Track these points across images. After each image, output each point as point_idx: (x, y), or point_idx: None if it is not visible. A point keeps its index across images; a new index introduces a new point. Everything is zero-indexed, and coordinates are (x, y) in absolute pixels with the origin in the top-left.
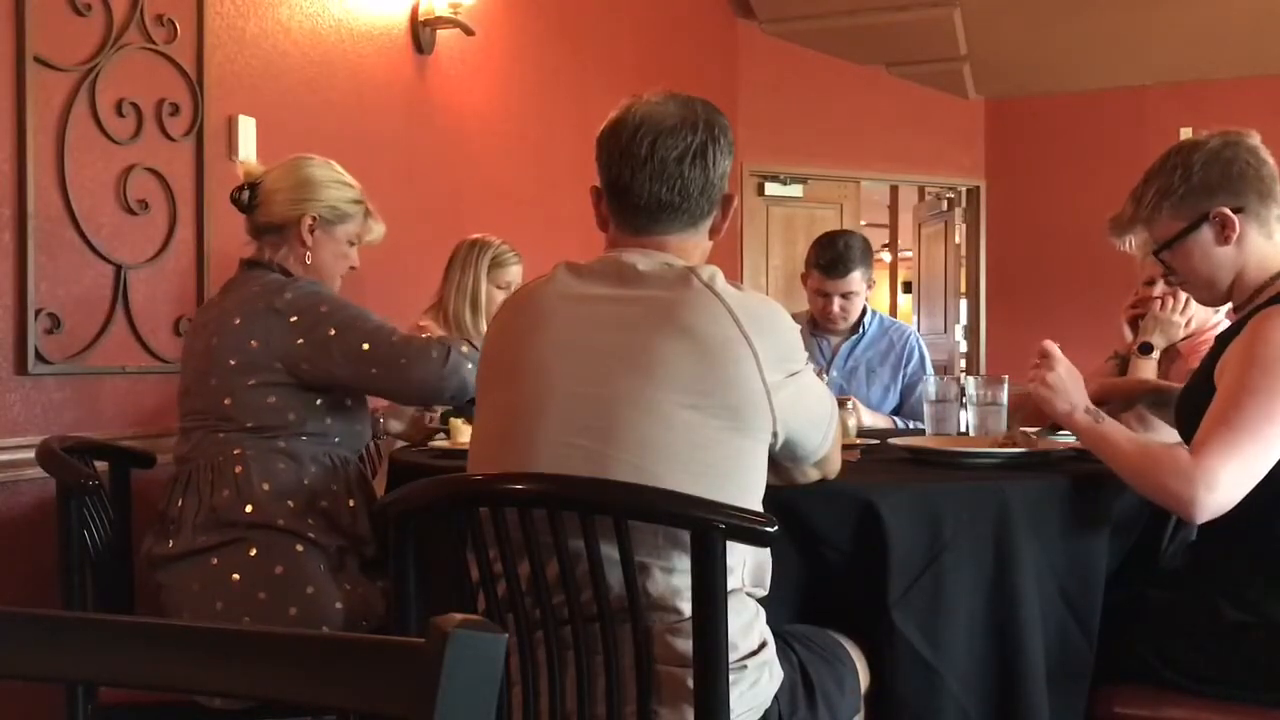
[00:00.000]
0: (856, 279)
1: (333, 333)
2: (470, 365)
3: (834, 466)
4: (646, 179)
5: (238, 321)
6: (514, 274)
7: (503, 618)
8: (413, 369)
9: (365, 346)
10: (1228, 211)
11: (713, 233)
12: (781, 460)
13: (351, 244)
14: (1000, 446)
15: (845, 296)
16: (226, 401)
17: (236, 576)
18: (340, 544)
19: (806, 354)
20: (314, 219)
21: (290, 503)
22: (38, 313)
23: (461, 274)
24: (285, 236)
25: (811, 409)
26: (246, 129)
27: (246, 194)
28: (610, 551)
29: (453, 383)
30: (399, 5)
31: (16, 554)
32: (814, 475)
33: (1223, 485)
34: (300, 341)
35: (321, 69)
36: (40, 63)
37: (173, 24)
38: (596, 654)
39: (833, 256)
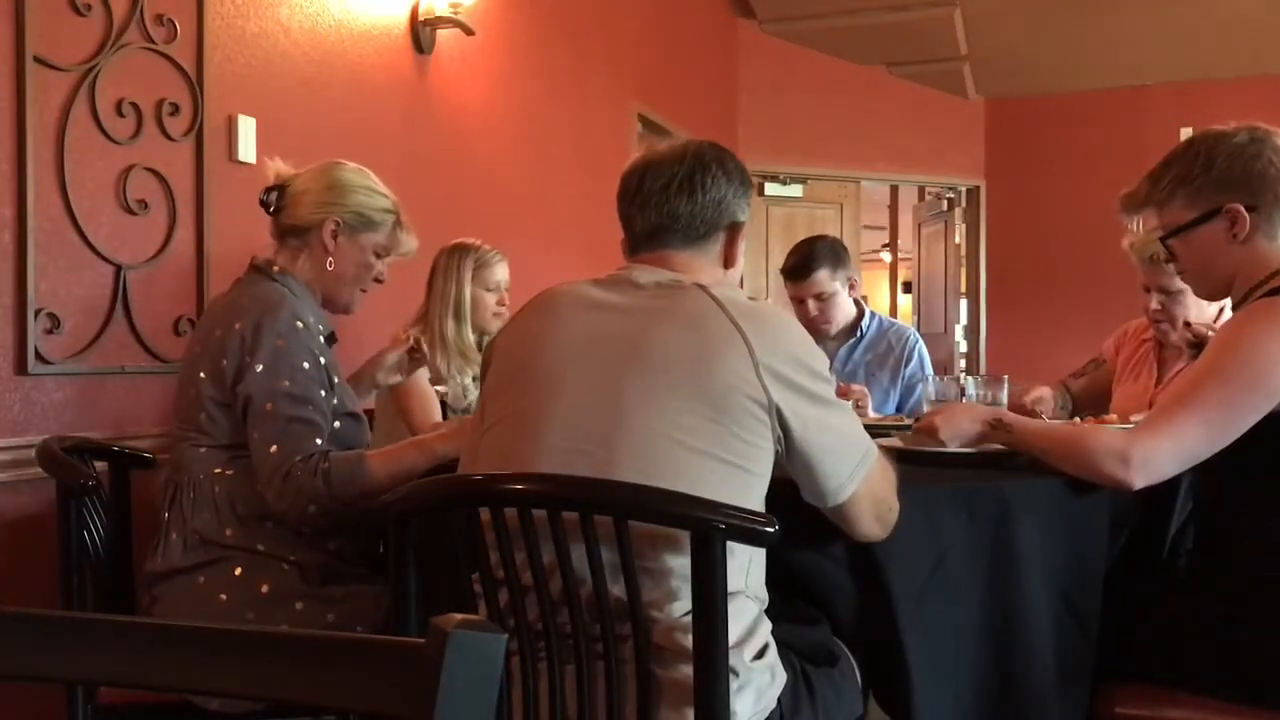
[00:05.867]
0: (823, 278)
1: (269, 407)
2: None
3: (868, 523)
4: (639, 209)
5: (219, 334)
6: (500, 273)
7: (502, 619)
8: (268, 489)
9: (268, 418)
10: (1241, 208)
11: (726, 262)
12: (811, 500)
13: (379, 255)
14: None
15: (818, 298)
16: (201, 416)
17: (224, 597)
18: (323, 560)
19: (833, 382)
20: (337, 223)
21: (270, 524)
22: (38, 313)
23: (444, 283)
24: (307, 241)
25: (830, 435)
26: (246, 129)
27: (275, 195)
28: (610, 552)
29: (283, 507)
30: (399, 5)
31: (16, 554)
32: (859, 517)
33: (1157, 460)
34: (248, 388)
35: (321, 69)
36: (40, 63)
37: (173, 24)
38: (597, 655)
39: (794, 261)
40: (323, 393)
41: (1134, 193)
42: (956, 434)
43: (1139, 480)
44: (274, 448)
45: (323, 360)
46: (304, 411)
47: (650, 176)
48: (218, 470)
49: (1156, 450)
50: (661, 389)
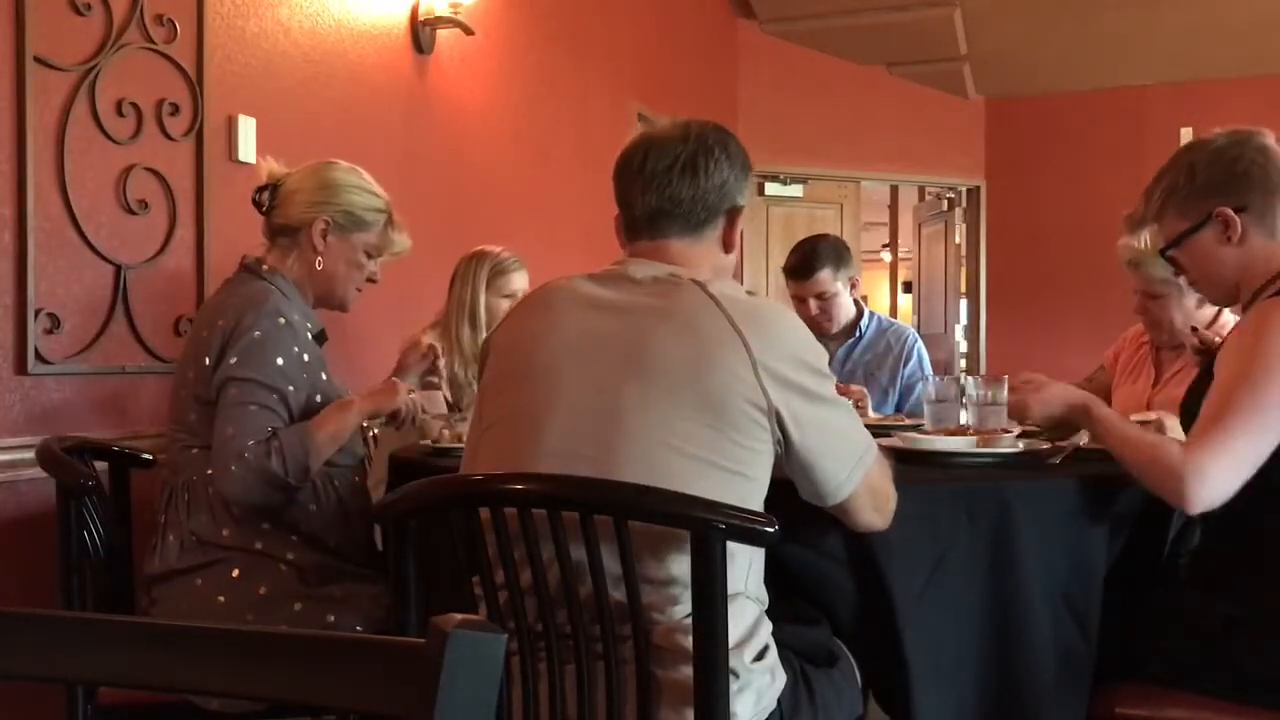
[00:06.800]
0: (825, 278)
1: (235, 393)
2: (267, 477)
3: (868, 515)
4: (640, 190)
5: (205, 334)
6: (518, 281)
7: (502, 619)
8: (225, 476)
9: (231, 405)
10: (1229, 211)
11: (725, 247)
12: (810, 500)
13: (370, 255)
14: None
15: (820, 298)
16: (192, 416)
17: (222, 599)
18: (320, 560)
19: (832, 377)
20: (327, 222)
21: (266, 525)
22: (38, 313)
23: (461, 289)
24: (297, 240)
25: (830, 436)
26: (246, 129)
27: (267, 195)
28: (610, 552)
29: (238, 494)
30: (399, 5)
31: (16, 554)
32: (859, 510)
33: (1212, 479)
34: (220, 377)
35: (321, 69)
36: (40, 63)
37: (173, 24)
38: (597, 656)
39: (797, 260)
40: (291, 388)
41: (1135, 213)
42: (1048, 415)
43: (1198, 502)
44: (231, 430)
45: (306, 357)
46: (269, 401)
47: (654, 156)
48: (211, 471)
49: (1213, 469)
50: (659, 394)
